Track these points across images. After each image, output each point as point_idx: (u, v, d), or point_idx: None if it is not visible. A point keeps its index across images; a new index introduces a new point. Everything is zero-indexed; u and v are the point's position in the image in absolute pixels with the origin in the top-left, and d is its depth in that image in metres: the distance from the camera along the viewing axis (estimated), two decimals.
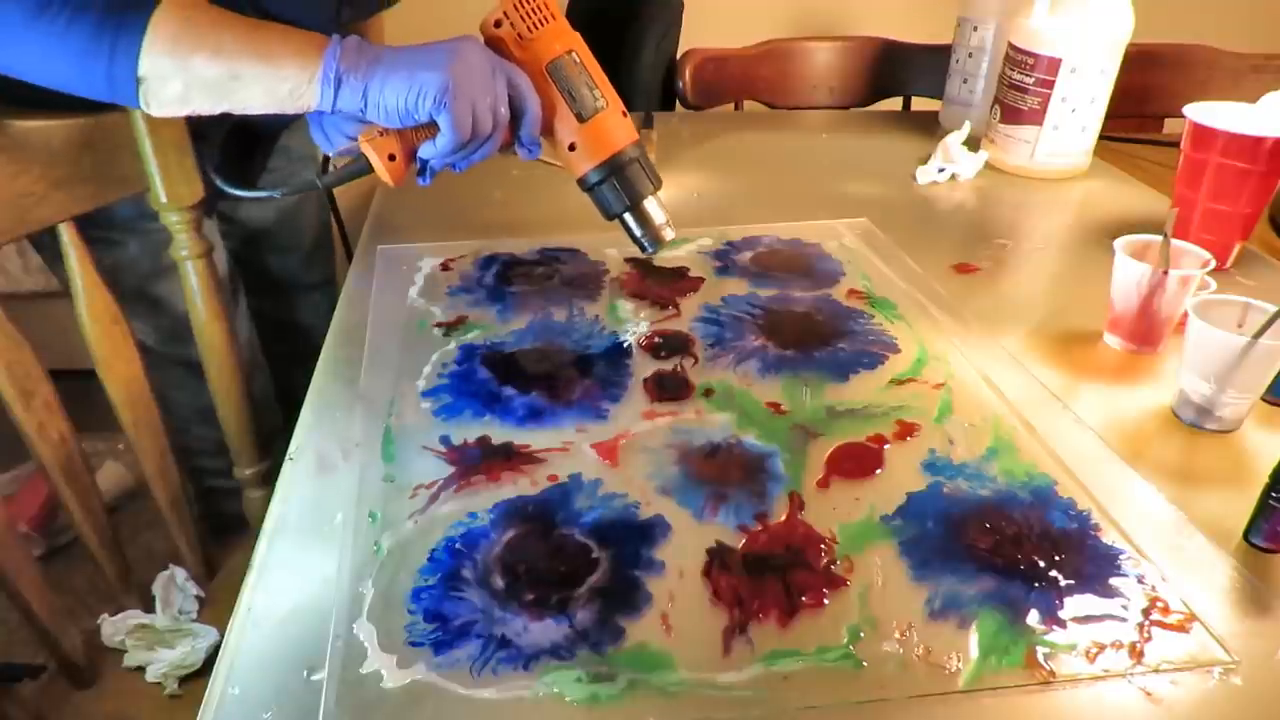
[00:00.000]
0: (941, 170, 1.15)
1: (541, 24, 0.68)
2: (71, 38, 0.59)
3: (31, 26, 0.59)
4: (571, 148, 0.71)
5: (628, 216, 0.74)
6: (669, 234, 0.76)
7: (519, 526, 0.57)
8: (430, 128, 0.65)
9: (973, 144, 1.18)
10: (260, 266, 1.11)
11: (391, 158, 0.66)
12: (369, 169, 0.67)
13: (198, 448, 1.00)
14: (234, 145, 0.95)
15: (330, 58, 0.62)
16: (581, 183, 0.73)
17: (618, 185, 0.72)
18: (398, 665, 0.48)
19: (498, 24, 0.68)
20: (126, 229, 0.87)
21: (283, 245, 1.12)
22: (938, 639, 0.50)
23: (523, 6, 0.67)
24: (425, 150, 0.66)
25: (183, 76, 0.61)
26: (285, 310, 1.15)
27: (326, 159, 0.72)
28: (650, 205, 0.74)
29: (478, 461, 0.63)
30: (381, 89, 0.62)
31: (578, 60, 0.69)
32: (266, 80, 0.62)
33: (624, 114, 0.72)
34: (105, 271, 0.83)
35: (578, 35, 0.70)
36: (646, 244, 0.76)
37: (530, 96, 0.67)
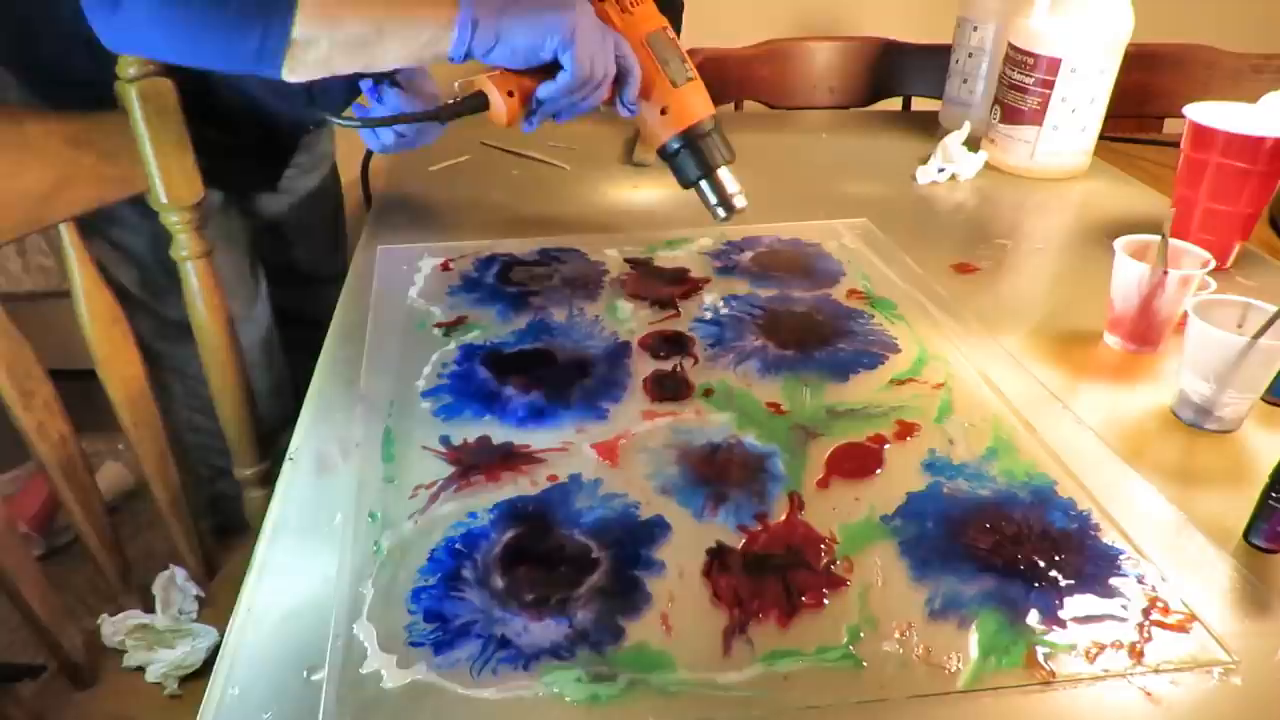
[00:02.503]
0: (941, 170, 1.15)
1: (640, 1, 0.75)
2: (230, 5, 0.62)
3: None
4: (664, 111, 0.77)
5: (703, 183, 0.79)
6: (741, 202, 0.81)
7: (519, 526, 0.57)
8: (548, 70, 0.71)
9: (973, 144, 1.18)
10: (275, 257, 1.11)
11: (510, 94, 0.71)
12: (483, 105, 0.72)
13: (207, 428, 0.99)
14: (261, 151, 0.99)
15: (465, 4, 0.66)
16: (662, 151, 0.79)
17: (696, 153, 0.78)
18: (398, 665, 0.48)
19: None
20: None
21: (297, 237, 1.13)
22: (938, 639, 0.50)
23: None
24: (544, 90, 0.71)
25: (330, 37, 0.64)
26: (298, 301, 1.15)
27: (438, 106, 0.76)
28: (724, 174, 0.80)
29: (478, 461, 0.63)
30: (513, 29, 0.67)
31: (671, 35, 0.76)
32: (407, 33, 0.66)
33: (695, 91, 0.78)
34: (144, 247, 0.86)
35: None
36: (720, 211, 0.80)
37: (633, 58, 0.74)
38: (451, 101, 0.73)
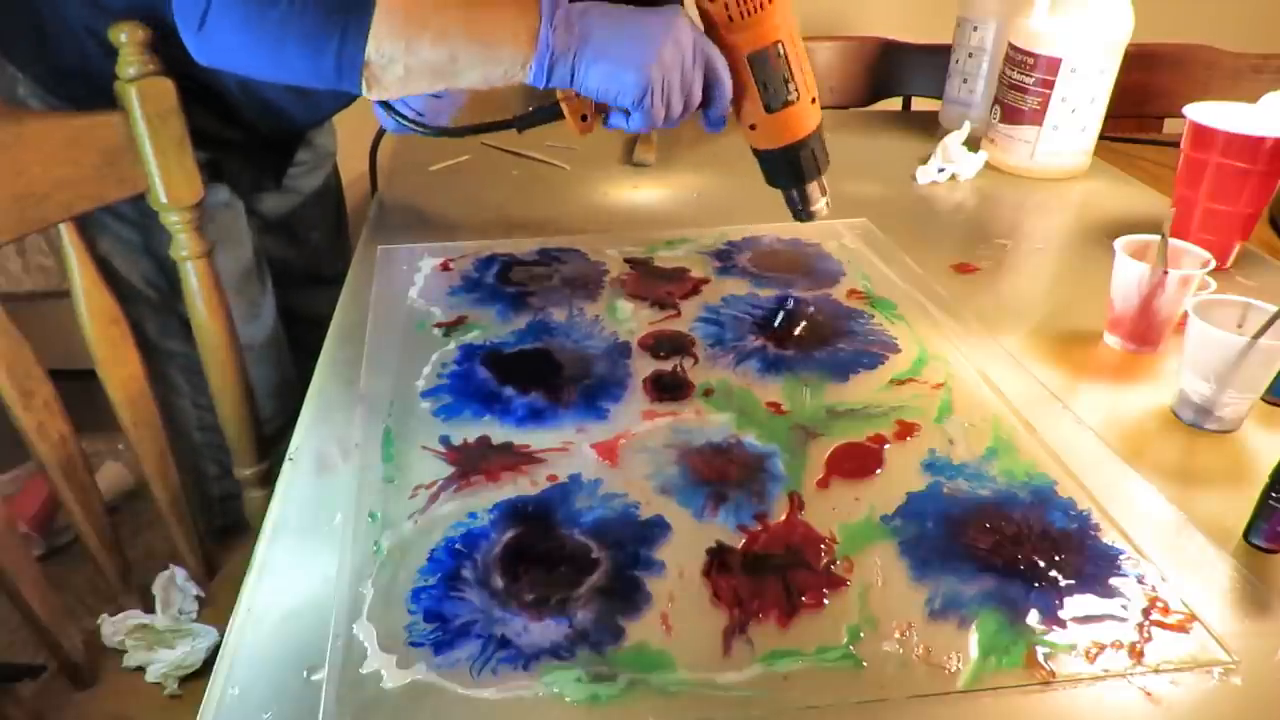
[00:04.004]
0: (941, 170, 1.15)
1: (754, 11, 0.67)
2: (306, 21, 0.62)
3: (267, 14, 0.62)
4: (752, 128, 0.74)
5: (788, 189, 0.77)
6: (823, 212, 0.78)
7: (519, 526, 0.57)
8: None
9: (972, 144, 1.18)
10: (279, 256, 1.11)
11: (584, 118, 0.70)
12: (559, 115, 0.70)
13: (216, 425, 1.00)
14: (268, 146, 0.99)
15: (544, 46, 0.65)
16: (753, 151, 0.76)
17: (787, 165, 0.75)
18: (398, 665, 0.48)
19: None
20: None
21: (301, 236, 1.13)
22: (938, 639, 0.50)
23: None
24: (615, 121, 0.70)
25: (406, 60, 0.64)
26: (302, 301, 1.15)
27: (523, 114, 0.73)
28: (811, 187, 0.76)
29: (477, 461, 0.63)
30: (587, 73, 0.66)
31: (781, 53, 0.69)
32: (484, 64, 0.65)
33: (813, 100, 0.73)
34: (153, 245, 0.87)
35: (791, 19, 0.69)
36: (800, 216, 0.79)
37: (724, 84, 0.69)
38: (529, 111, 0.72)
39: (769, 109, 0.71)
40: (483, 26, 0.64)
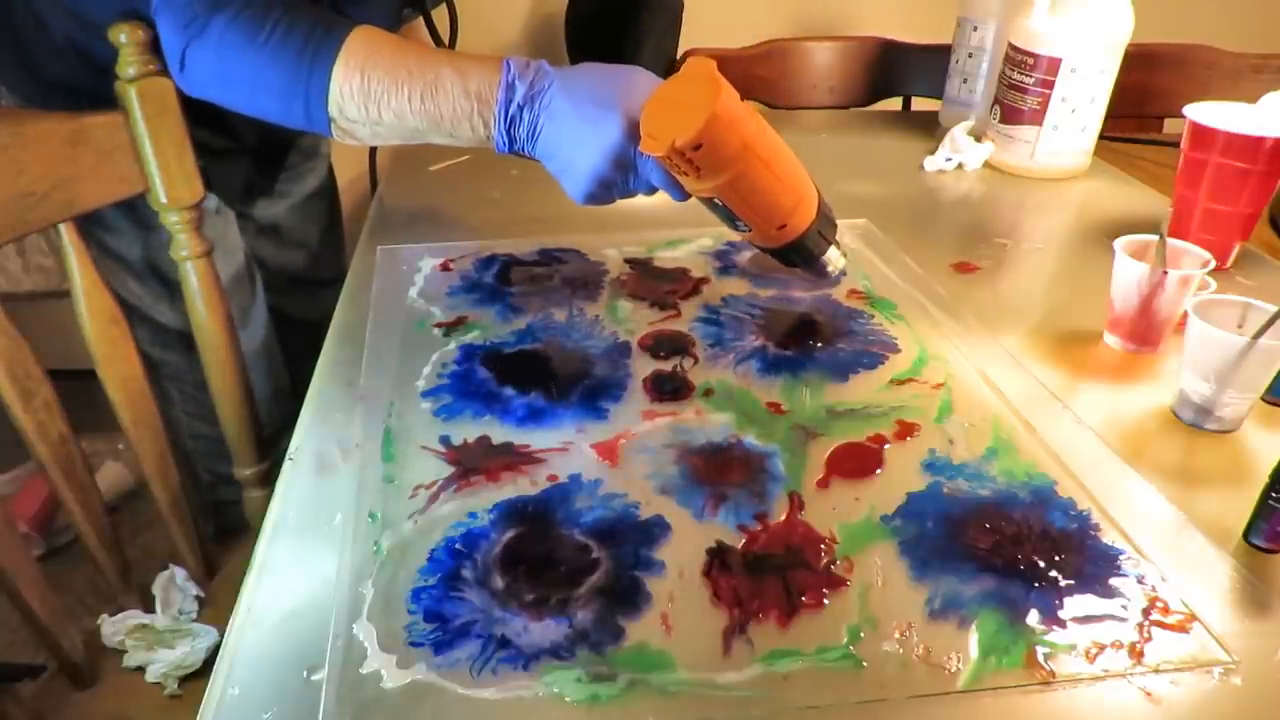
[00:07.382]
0: (949, 159, 1.15)
1: (685, 174, 0.66)
2: (271, 79, 0.67)
3: (239, 65, 0.67)
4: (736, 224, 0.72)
5: (805, 268, 0.76)
6: (836, 276, 0.77)
7: (519, 526, 0.57)
8: None
9: (976, 137, 1.19)
10: (273, 261, 1.11)
11: None
12: None
13: (206, 434, 1.00)
14: (256, 155, 1.00)
15: (500, 134, 0.70)
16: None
17: (789, 255, 0.74)
18: (398, 665, 0.48)
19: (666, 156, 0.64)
20: None
21: (296, 240, 1.13)
22: (938, 639, 0.50)
23: (677, 158, 0.64)
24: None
25: (372, 126, 0.70)
26: (297, 305, 1.16)
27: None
28: (824, 259, 0.75)
29: (477, 461, 0.63)
30: (541, 158, 0.71)
31: (719, 202, 0.69)
32: (446, 138, 0.72)
33: (791, 210, 0.70)
34: (138, 255, 0.88)
35: (739, 167, 0.65)
36: (820, 277, 0.77)
37: (664, 186, 0.71)
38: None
39: (737, 230, 0.72)
40: (440, 107, 0.69)
